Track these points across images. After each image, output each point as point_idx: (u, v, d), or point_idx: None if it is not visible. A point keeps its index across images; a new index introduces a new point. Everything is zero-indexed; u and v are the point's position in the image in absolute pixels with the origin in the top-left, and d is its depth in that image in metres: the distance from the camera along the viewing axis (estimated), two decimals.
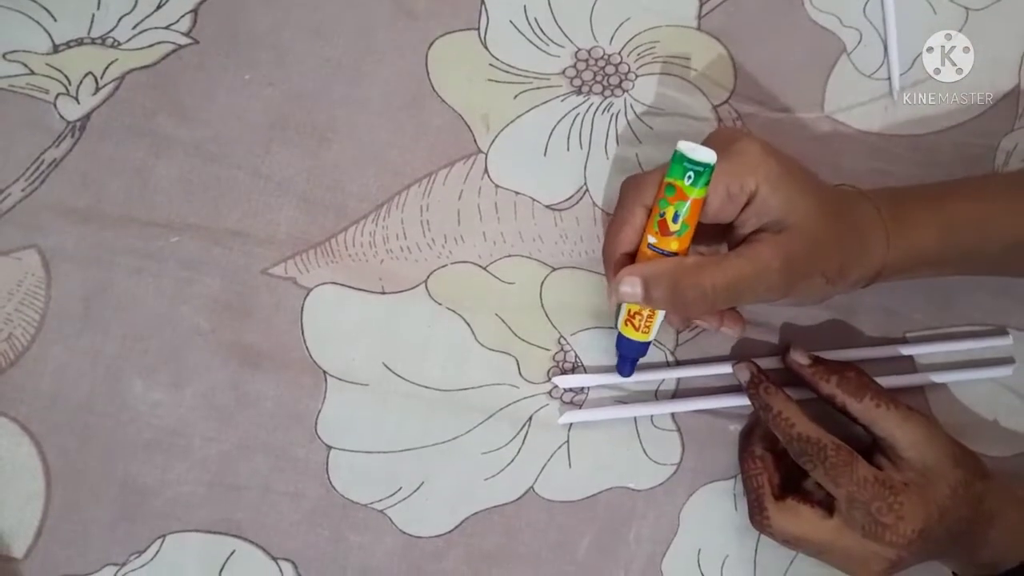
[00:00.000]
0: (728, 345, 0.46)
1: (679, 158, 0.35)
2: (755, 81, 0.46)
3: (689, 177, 0.35)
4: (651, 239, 0.37)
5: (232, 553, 0.42)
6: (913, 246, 0.40)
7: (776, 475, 0.43)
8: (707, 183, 0.36)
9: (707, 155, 0.35)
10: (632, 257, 0.38)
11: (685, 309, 0.37)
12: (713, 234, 0.40)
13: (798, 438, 0.41)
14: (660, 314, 0.40)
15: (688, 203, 0.36)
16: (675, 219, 0.36)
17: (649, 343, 0.41)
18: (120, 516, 0.41)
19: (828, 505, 0.41)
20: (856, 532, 0.40)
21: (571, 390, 0.45)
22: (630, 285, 0.36)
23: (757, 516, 0.42)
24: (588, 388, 0.45)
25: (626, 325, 0.40)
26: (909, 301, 0.47)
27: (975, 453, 0.42)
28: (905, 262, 0.40)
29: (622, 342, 0.41)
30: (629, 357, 0.42)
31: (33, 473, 0.41)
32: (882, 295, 0.46)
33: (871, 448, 0.42)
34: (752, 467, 0.43)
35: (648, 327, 0.40)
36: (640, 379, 0.44)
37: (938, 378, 0.47)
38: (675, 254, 0.37)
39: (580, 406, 0.45)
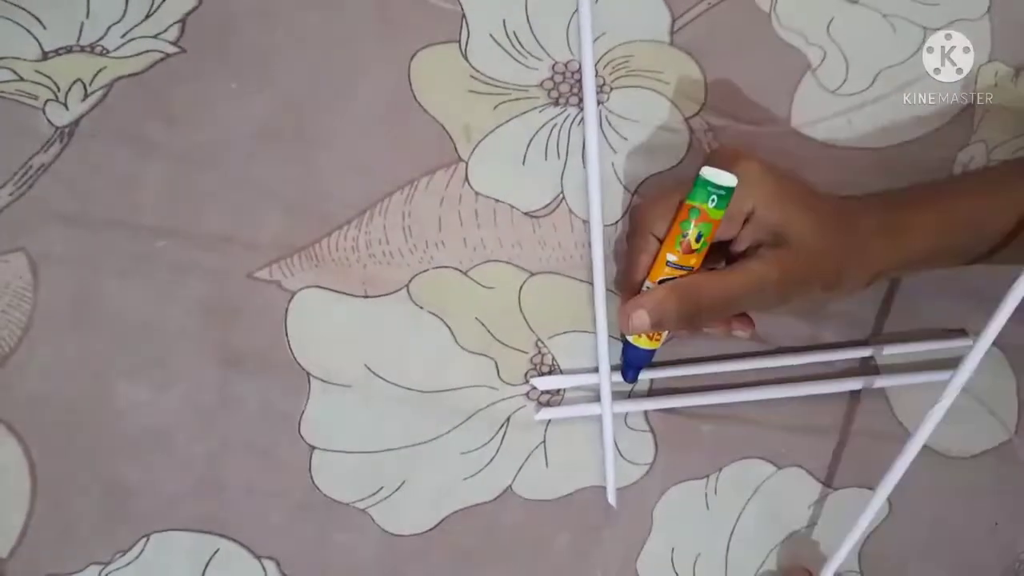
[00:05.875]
0: (698, 348, 0.48)
1: (703, 183, 0.38)
2: (725, 95, 0.48)
3: (713, 200, 0.38)
4: (671, 257, 0.39)
5: (216, 552, 0.43)
6: (910, 249, 0.42)
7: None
8: (727, 204, 0.38)
9: (729, 179, 0.38)
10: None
11: (690, 325, 0.40)
12: (713, 251, 0.41)
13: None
14: None
15: (711, 224, 0.38)
16: (698, 239, 0.39)
17: (656, 350, 0.43)
18: (105, 515, 0.42)
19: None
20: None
21: (548, 392, 0.46)
22: (639, 319, 0.39)
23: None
24: (564, 390, 0.46)
25: (638, 336, 0.42)
26: (872, 307, 0.49)
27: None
28: (902, 264, 0.42)
29: (631, 352, 0.43)
30: (636, 365, 0.44)
31: (19, 473, 0.41)
32: (845, 301, 0.48)
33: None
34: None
35: (659, 336, 0.42)
36: (614, 380, 0.45)
37: (901, 380, 0.49)
38: (692, 268, 0.40)
39: (556, 407, 0.46)
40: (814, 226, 0.39)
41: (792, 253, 0.39)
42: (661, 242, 0.40)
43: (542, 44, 0.46)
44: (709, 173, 0.38)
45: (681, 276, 0.40)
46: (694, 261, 0.39)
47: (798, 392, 0.47)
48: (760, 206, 0.39)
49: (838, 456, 0.49)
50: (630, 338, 0.42)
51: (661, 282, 0.40)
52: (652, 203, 0.40)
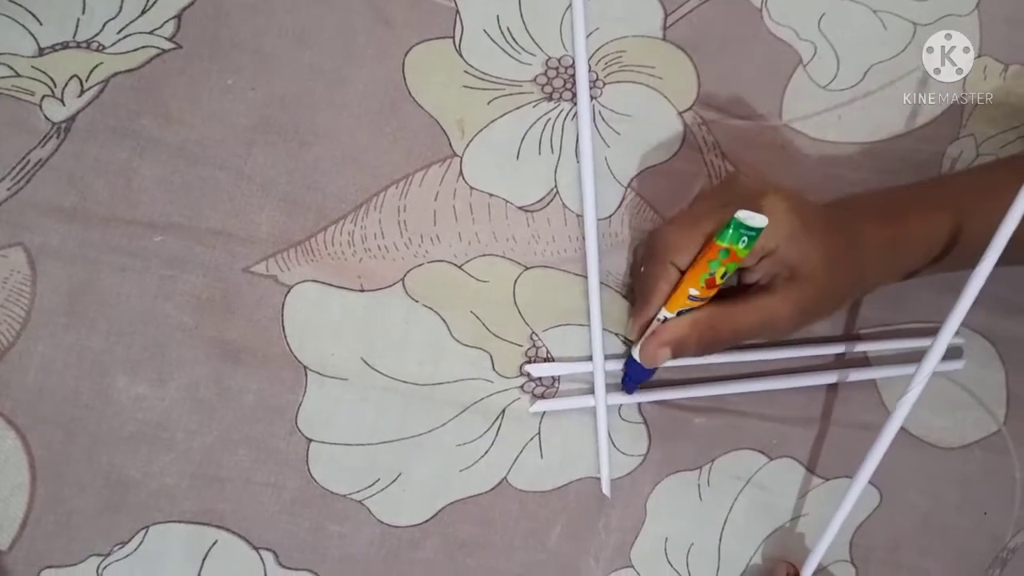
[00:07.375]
0: None
1: (737, 226, 0.37)
2: (717, 90, 0.48)
3: (743, 241, 0.37)
4: (694, 291, 0.39)
5: (214, 543, 0.43)
6: (903, 263, 0.43)
7: None
8: (755, 243, 0.38)
9: (761, 220, 0.37)
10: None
11: (704, 354, 0.42)
12: None
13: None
14: None
15: (737, 263, 0.38)
16: (723, 276, 0.39)
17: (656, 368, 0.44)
18: (104, 507, 0.42)
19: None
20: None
21: (542, 384, 0.46)
22: (664, 354, 0.41)
23: None
24: (559, 382, 0.47)
25: None
26: (861, 299, 0.50)
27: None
28: (894, 277, 0.44)
29: (634, 368, 0.44)
30: (637, 380, 0.45)
31: (18, 466, 0.41)
32: None
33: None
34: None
35: None
36: (608, 370, 0.46)
37: (891, 372, 0.49)
38: (707, 299, 0.40)
39: (551, 399, 0.46)
40: (827, 263, 0.40)
41: (805, 289, 0.40)
42: (682, 272, 0.40)
43: (535, 39, 0.46)
44: (744, 216, 0.37)
45: (697, 307, 0.40)
46: (711, 293, 0.40)
47: (790, 384, 0.48)
48: (783, 245, 0.39)
49: (829, 446, 0.49)
50: (635, 355, 0.43)
51: (679, 312, 0.40)
52: (675, 232, 0.40)
